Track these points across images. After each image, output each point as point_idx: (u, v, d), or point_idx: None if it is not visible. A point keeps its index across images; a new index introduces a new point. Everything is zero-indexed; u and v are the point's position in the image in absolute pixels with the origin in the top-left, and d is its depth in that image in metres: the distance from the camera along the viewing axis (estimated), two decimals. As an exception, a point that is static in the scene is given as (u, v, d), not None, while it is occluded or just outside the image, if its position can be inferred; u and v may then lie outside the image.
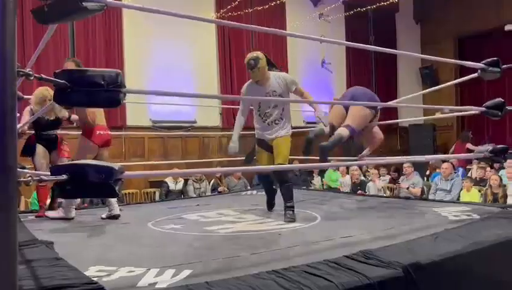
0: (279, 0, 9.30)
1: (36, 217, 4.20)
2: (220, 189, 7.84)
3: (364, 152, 4.50)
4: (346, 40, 10.03)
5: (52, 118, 4.28)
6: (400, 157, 7.25)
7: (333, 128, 3.99)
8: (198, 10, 8.21)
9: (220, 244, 2.88)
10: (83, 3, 1.61)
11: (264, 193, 4.31)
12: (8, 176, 1.20)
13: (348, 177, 8.25)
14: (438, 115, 8.10)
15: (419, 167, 8.34)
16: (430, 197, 6.45)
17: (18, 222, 1.65)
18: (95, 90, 1.66)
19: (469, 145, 9.64)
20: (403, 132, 11.66)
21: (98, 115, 4.12)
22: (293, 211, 3.67)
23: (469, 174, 7.75)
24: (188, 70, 8.89)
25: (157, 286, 1.93)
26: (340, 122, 4.01)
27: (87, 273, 2.06)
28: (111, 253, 2.70)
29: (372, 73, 11.60)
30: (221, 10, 9.06)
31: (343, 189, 7.94)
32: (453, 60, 7.84)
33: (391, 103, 5.51)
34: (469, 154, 4.63)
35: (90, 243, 3.13)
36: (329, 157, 3.91)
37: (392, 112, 10.78)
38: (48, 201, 4.44)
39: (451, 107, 9.66)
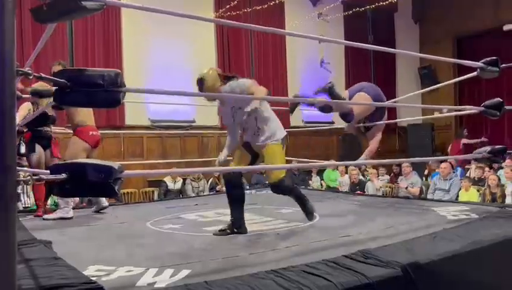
0: (278, 0, 9.30)
1: (35, 216, 4.20)
2: (217, 188, 7.85)
3: (362, 157, 4.50)
4: (345, 40, 10.03)
5: (50, 114, 4.29)
6: (404, 159, 7.25)
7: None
8: (197, 9, 8.20)
9: (219, 244, 2.88)
10: (82, 2, 1.61)
11: (263, 192, 4.26)
12: (7, 176, 1.20)
13: (346, 176, 8.26)
14: (437, 115, 8.12)
15: (418, 167, 8.36)
16: (429, 196, 6.46)
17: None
18: (95, 90, 1.66)
19: (464, 140, 9.67)
20: (402, 131, 11.68)
21: (88, 115, 4.14)
22: (312, 214, 3.40)
23: (467, 174, 7.77)
24: (187, 69, 8.85)
25: (156, 286, 1.93)
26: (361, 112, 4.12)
27: (85, 272, 2.06)
28: (110, 253, 2.70)
29: (371, 73, 11.59)
30: (220, 9, 9.06)
31: (342, 189, 7.96)
32: (451, 59, 7.86)
33: (388, 103, 5.51)
34: (467, 154, 4.63)
35: (88, 242, 3.12)
36: (329, 161, 3.94)
37: (391, 112, 10.74)
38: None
39: (449, 107, 9.67)
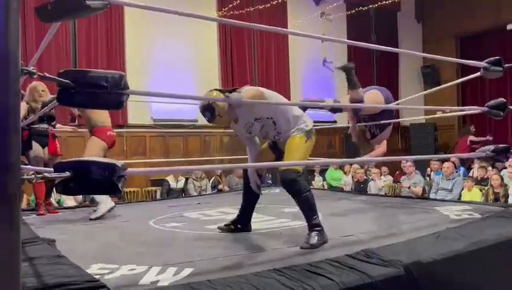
0: (281, -1, 9.31)
1: (37, 215, 4.22)
2: (219, 187, 7.87)
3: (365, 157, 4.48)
4: (348, 39, 10.02)
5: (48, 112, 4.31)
6: (408, 157, 7.23)
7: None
8: (200, 9, 8.20)
9: (222, 243, 2.88)
10: (86, 1, 1.61)
11: (265, 191, 4.18)
12: (11, 174, 1.20)
13: (350, 175, 8.26)
14: (440, 114, 8.10)
15: (421, 166, 8.34)
16: (432, 196, 6.44)
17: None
18: (98, 92, 1.66)
19: (471, 137, 9.56)
20: (404, 131, 11.66)
21: (105, 116, 4.17)
22: (319, 231, 2.69)
23: (470, 174, 7.75)
24: (190, 68, 8.89)
25: (159, 284, 1.93)
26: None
27: (89, 271, 2.06)
28: (113, 251, 2.71)
29: (373, 72, 11.59)
30: (223, 9, 9.07)
31: (346, 188, 7.96)
32: (455, 59, 7.83)
33: (391, 106, 5.50)
34: (471, 153, 4.63)
35: (92, 240, 3.13)
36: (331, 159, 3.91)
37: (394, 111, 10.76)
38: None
39: (453, 108, 9.65)
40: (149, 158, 8.10)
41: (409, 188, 6.94)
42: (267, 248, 2.65)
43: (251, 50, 9.82)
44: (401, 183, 7.32)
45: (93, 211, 4.15)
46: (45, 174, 1.58)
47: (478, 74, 3.33)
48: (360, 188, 7.62)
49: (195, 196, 6.78)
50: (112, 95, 1.68)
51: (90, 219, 3.91)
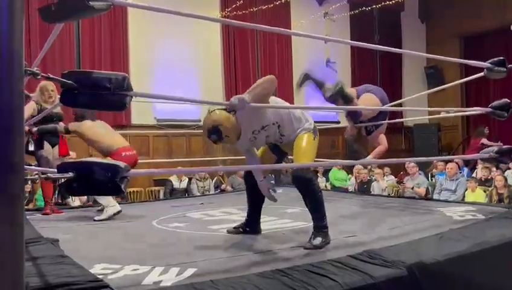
0: (284, -1, 9.31)
1: (43, 214, 4.23)
2: (222, 187, 7.87)
3: (369, 157, 4.47)
4: (351, 39, 10.00)
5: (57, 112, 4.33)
6: (411, 158, 7.21)
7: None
8: (203, 9, 8.21)
9: (224, 243, 2.88)
10: (90, 2, 1.62)
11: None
12: (15, 174, 1.21)
13: (352, 176, 8.26)
14: (443, 115, 8.07)
15: (424, 167, 8.32)
16: (435, 197, 6.43)
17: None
18: (101, 93, 1.66)
19: (484, 141, 9.48)
20: (408, 131, 11.63)
21: (111, 139, 4.13)
22: (324, 233, 2.67)
23: (474, 174, 7.72)
24: (193, 69, 8.91)
25: (162, 285, 1.94)
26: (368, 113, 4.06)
27: (92, 271, 2.06)
28: (116, 251, 2.71)
29: (377, 72, 11.56)
30: (226, 9, 9.08)
31: (350, 188, 7.96)
32: (458, 60, 7.80)
33: (394, 108, 5.49)
34: (474, 155, 4.61)
35: (95, 240, 3.14)
36: (334, 160, 3.88)
37: (397, 112, 10.74)
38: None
39: (456, 109, 9.62)
40: (152, 158, 8.11)
41: (412, 188, 6.93)
42: (269, 248, 2.65)
43: (254, 50, 9.82)
44: (404, 183, 7.30)
45: (97, 211, 4.16)
46: (49, 174, 1.58)
47: (482, 74, 3.32)
48: (364, 188, 7.61)
49: (199, 196, 6.79)
50: (115, 96, 1.68)
51: (94, 220, 3.91)
